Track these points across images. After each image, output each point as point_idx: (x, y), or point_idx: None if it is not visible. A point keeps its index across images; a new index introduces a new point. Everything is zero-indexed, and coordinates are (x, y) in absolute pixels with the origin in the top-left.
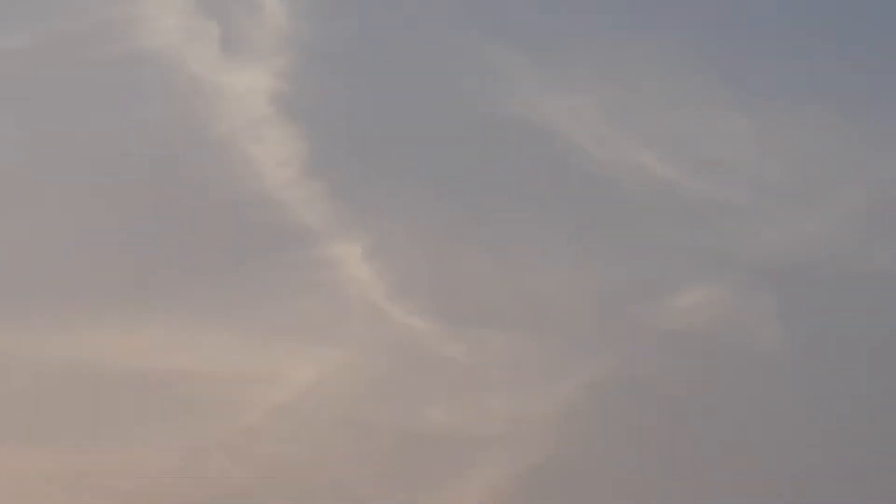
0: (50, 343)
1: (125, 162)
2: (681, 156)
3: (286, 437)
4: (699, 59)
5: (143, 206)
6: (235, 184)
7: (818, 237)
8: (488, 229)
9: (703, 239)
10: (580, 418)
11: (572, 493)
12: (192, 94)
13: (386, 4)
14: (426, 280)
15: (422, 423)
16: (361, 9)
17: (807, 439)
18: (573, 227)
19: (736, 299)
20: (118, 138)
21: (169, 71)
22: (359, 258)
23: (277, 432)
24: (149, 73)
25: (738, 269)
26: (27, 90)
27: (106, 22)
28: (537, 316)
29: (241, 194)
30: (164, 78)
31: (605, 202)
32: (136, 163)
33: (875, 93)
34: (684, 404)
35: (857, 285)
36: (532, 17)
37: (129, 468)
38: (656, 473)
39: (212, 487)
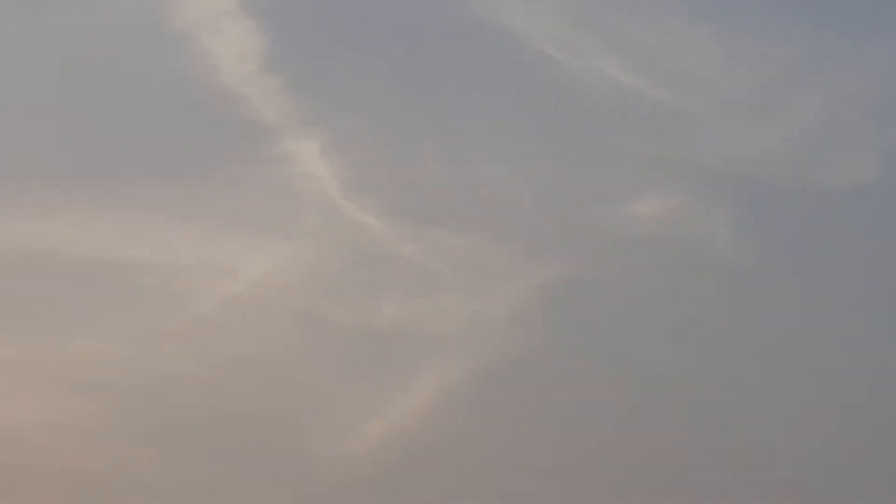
0: (3, 229)
1: (83, 54)
2: (643, 64)
3: (239, 329)
4: None
5: (101, 98)
6: (194, 78)
7: (776, 148)
8: (448, 131)
9: (662, 147)
10: (534, 320)
11: (525, 393)
12: None
13: None
14: (383, 179)
15: (375, 320)
16: None
17: (758, 347)
18: (533, 131)
19: (693, 207)
20: (77, 30)
21: None
22: (316, 154)
23: (230, 324)
24: None
25: (696, 177)
26: None
27: None
28: (494, 219)
29: (199, 88)
30: None
31: (566, 107)
32: (94, 55)
33: (834, 8)
34: (638, 309)
35: (813, 197)
36: None
37: (80, 357)
38: (609, 376)
39: (163, 377)
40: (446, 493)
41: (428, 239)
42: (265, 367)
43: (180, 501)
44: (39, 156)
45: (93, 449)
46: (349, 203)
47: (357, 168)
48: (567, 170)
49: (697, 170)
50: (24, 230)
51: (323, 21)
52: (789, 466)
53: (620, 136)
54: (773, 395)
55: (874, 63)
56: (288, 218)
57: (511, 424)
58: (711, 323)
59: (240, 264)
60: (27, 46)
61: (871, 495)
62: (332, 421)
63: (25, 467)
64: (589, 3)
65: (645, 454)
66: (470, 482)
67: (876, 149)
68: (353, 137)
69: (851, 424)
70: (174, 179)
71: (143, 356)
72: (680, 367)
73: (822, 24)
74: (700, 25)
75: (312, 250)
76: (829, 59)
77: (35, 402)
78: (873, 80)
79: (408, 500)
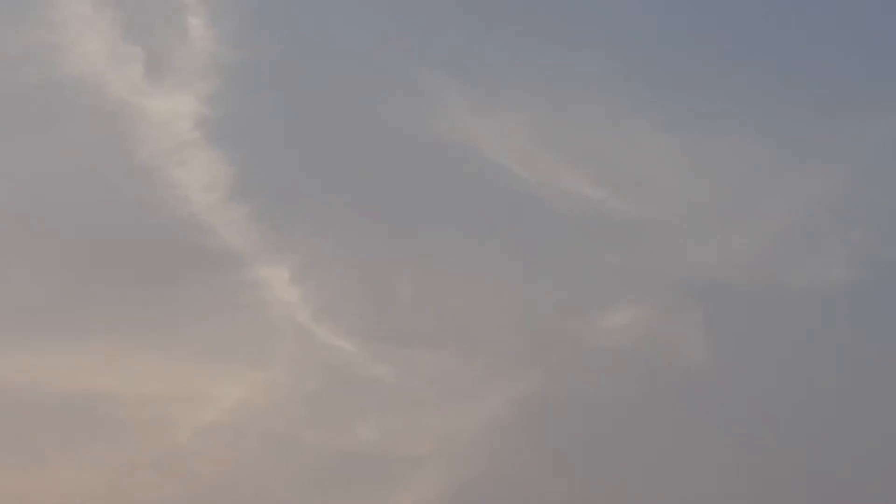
0: None
1: (52, 187)
2: (606, 175)
3: (215, 456)
4: (624, 81)
5: (70, 230)
6: (162, 208)
7: (744, 253)
8: (416, 250)
9: (629, 258)
10: (509, 435)
11: None
12: (117, 119)
13: (312, 28)
14: (353, 301)
15: (351, 442)
16: (287, 33)
17: (731, 453)
18: (500, 246)
19: (662, 317)
20: (45, 163)
21: (94, 96)
22: (286, 280)
23: (206, 451)
24: (74, 98)
25: (664, 287)
26: None
27: (30, 48)
28: (465, 335)
29: (168, 218)
30: (90, 103)
31: (533, 222)
32: (63, 188)
33: (795, 113)
34: (612, 421)
35: (780, 301)
36: (459, 40)
37: (59, 489)
38: (585, 489)
39: None
40: None
41: (400, 359)
42: (243, 492)
43: None
44: (10, 291)
45: None
46: (321, 327)
47: (327, 292)
48: (537, 284)
49: (667, 279)
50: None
51: (287, 148)
52: None
53: (588, 248)
54: (747, 498)
55: (837, 165)
56: (261, 344)
57: None
58: (687, 431)
59: (214, 392)
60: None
61: None
62: None
63: None
64: (552, 118)
65: None
66: None
67: (843, 250)
68: (321, 262)
69: None
70: (146, 309)
71: (121, 486)
72: (657, 477)
73: (784, 129)
74: (662, 136)
75: (286, 375)
76: (792, 163)
77: None
78: (837, 183)
79: None
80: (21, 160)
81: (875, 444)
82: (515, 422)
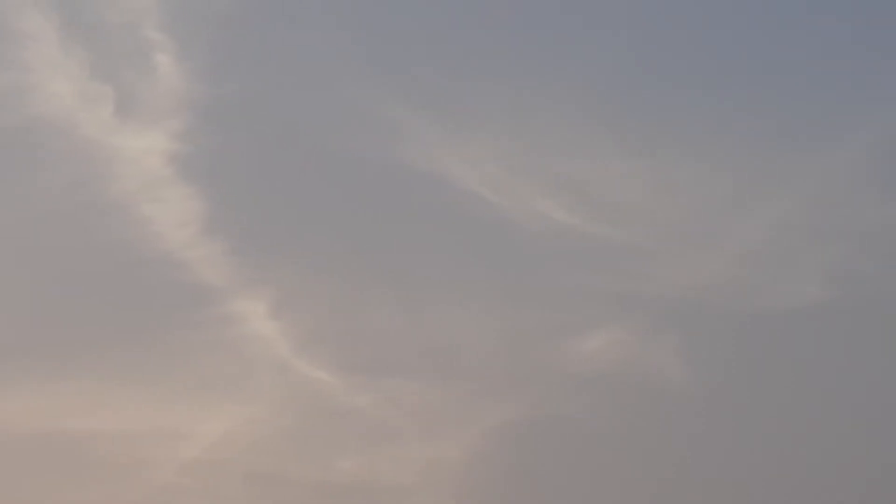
0: None
1: (26, 229)
2: (580, 200)
3: (198, 493)
4: (593, 108)
5: (46, 271)
6: (137, 245)
7: (717, 276)
8: (393, 280)
9: (604, 281)
10: (491, 463)
11: None
12: (88, 159)
13: (282, 62)
14: (331, 333)
15: (334, 475)
16: (256, 67)
17: (711, 473)
18: (477, 275)
19: (639, 340)
20: (18, 205)
21: (65, 136)
22: (263, 314)
23: (189, 488)
24: (45, 139)
25: (641, 310)
26: None
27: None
28: (444, 364)
29: (142, 256)
30: (61, 143)
31: (508, 250)
32: (37, 229)
33: (765, 134)
34: (593, 445)
35: (756, 321)
36: (428, 71)
37: None
38: None
39: None
40: None
41: (380, 389)
42: None
43: None
44: None
45: None
46: (299, 360)
47: (305, 325)
48: (514, 311)
49: (643, 302)
50: None
51: (260, 182)
52: None
53: (564, 273)
54: None
55: (809, 184)
56: (240, 378)
57: None
58: (667, 452)
59: (195, 428)
60: None
61: None
62: None
63: None
64: (522, 146)
65: None
66: None
67: (817, 268)
68: (298, 295)
69: None
70: (124, 347)
71: None
72: (639, 500)
73: (754, 150)
74: (633, 160)
75: (266, 409)
76: (763, 183)
77: None
78: (809, 201)
79: None
80: None
81: (853, 461)
82: (497, 450)
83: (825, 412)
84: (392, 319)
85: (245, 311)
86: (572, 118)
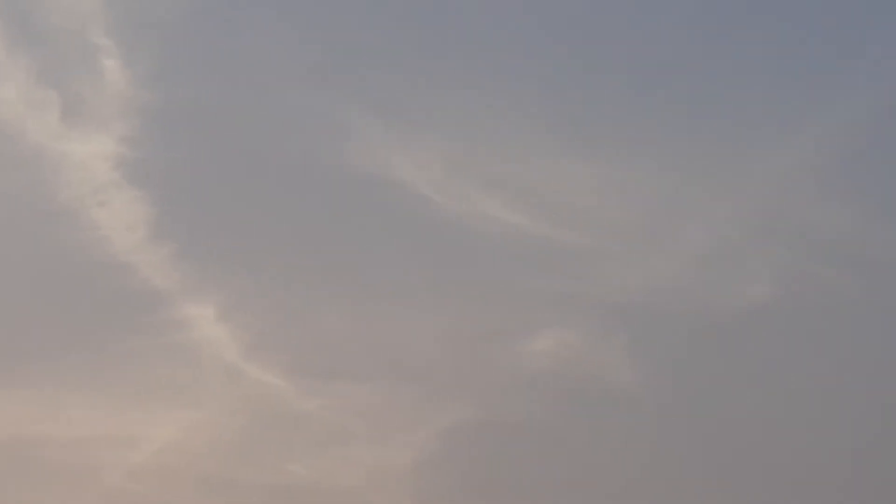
0: None
1: None
2: (526, 203)
3: (148, 498)
4: (538, 110)
5: None
6: (85, 250)
7: (664, 277)
8: (340, 283)
9: (552, 282)
10: (440, 465)
11: None
12: (35, 164)
13: (229, 66)
14: (280, 337)
15: (284, 478)
16: (203, 71)
17: (660, 474)
18: (424, 277)
19: (587, 340)
20: None
21: (11, 141)
22: (212, 318)
23: (139, 493)
24: None
25: (589, 311)
26: None
27: None
28: (392, 366)
29: (90, 260)
30: (7, 149)
31: (455, 251)
32: None
33: (712, 134)
34: (542, 446)
35: (704, 322)
36: (375, 76)
37: None
38: None
39: None
40: None
41: (330, 392)
42: None
43: None
44: None
45: None
46: (249, 364)
47: (254, 328)
48: (461, 312)
49: (591, 303)
50: None
51: (207, 186)
52: None
53: (510, 274)
54: None
55: (756, 185)
56: (190, 383)
57: None
58: (616, 453)
59: (145, 433)
60: None
61: None
62: None
63: None
64: (468, 148)
65: None
66: None
67: (765, 268)
68: (247, 298)
69: None
70: (72, 353)
71: None
72: (588, 501)
73: (701, 151)
74: (579, 162)
75: (216, 413)
76: (710, 184)
77: None
78: (755, 200)
79: None
80: None
81: (806, 459)
82: (446, 451)
83: (775, 411)
84: (341, 322)
85: (194, 315)
86: (520, 120)
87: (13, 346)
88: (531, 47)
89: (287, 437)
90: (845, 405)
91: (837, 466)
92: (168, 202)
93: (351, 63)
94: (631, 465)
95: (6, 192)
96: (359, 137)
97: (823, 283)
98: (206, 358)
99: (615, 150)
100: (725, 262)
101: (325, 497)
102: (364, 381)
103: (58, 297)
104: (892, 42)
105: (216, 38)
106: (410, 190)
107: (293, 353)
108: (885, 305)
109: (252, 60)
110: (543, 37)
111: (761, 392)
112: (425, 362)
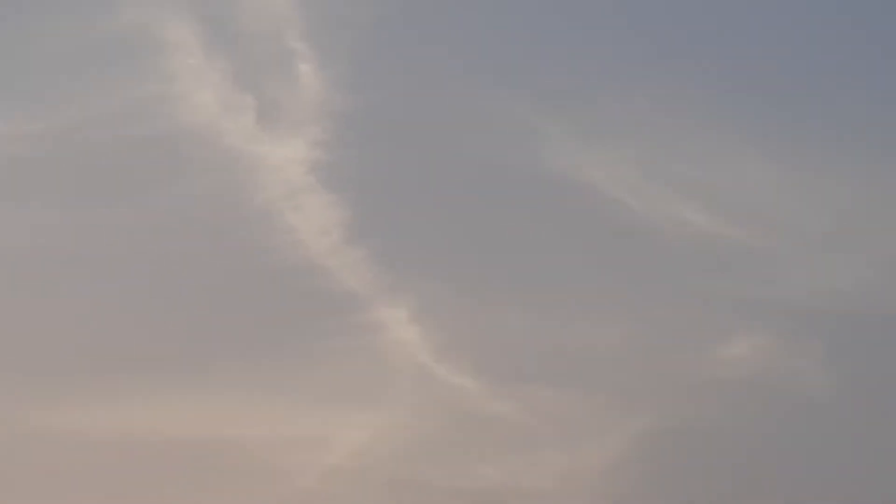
0: (98, 417)
1: (168, 237)
2: (719, 205)
3: (341, 500)
4: (732, 111)
5: (190, 279)
6: (279, 253)
7: (859, 279)
8: (531, 286)
9: (744, 287)
10: (631, 471)
11: None
12: (231, 168)
13: (421, 70)
14: (472, 339)
15: (474, 481)
16: (396, 75)
17: (857, 484)
18: (616, 280)
19: (781, 347)
20: (162, 215)
21: (207, 146)
22: (404, 321)
23: (333, 495)
24: (187, 148)
25: (782, 315)
26: (67, 170)
27: (142, 100)
28: (584, 371)
29: (285, 263)
30: (204, 152)
31: (646, 255)
32: (179, 237)
33: None
34: (734, 454)
35: None
36: (562, 75)
37: None
38: None
39: None
40: None
41: (520, 395)
42: None
43: None
44: (132, 341)
45: None
46: (441, 366)
47: (446, 331)
48: (652, 317)
49: (783, 308)
50: (123, 416)
51: (400, 190)
52: None
53: (702, 279)
54: None
55: None
56: (381, 385)
57: None
58: (810, 463)
59: (337, 435)
60: (115, 231)
61: None
62: None
63: None
64: (659, 152)
65: None
66: None
67: None
68: (439, 301)
69: None
70: (266, 355)
71: None
72: None
73: (889, 151)
74: (769, 165)
75: (408, 415)
76: None
77: None
78: None
79: None
80: (139, 213)
81: None
82: (637, 457)
83: None
84: (532, 326)
85: (386, 317)
86: (712, 122)
87: (209, 347)
88: (727, 48)
89: (477, 439)
90: None
91: None
92: (361, 206)
93: (545, 66)
94: (827, 474)
95: (203, 195)
96: (552, 141)
97: None
98: (398, 360)
99: (807, 152)
100: None
101: (514, 499)
102: (554, 384)
103: (254, 300)
104: None
105: (410, 41)
106: (600, 191)
107: (484, 356)
108: None
109: (446, 63)
110: (740, 40)
111: None
112: (615, 367)
